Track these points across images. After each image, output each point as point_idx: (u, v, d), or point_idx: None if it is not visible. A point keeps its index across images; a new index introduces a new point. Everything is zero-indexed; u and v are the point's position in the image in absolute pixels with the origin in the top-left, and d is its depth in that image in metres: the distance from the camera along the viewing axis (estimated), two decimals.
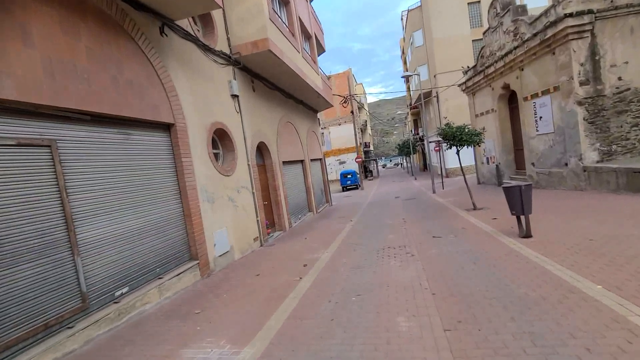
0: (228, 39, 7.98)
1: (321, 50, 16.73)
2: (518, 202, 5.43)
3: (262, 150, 9.83)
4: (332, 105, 17.14)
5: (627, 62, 9.10)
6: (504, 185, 5.67)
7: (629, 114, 9.20)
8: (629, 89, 9.15)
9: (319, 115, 43.49)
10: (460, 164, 10.02)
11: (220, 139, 7.54)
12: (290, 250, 7.45)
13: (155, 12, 5.41)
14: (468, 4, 24.76)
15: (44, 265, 3.58)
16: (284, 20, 10.37)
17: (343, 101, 24.07)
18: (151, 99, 5.17)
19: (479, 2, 24.64)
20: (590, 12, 8.88)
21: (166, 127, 5.67)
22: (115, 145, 4.66)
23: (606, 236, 4.93)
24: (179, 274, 5.39)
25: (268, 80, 10.24)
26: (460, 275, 4.27)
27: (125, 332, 3.99)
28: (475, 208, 9.32)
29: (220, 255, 6.56)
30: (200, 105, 6.57)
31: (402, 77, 16.41)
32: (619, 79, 9.17)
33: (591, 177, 9.13)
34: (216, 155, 7.39)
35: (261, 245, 8.39)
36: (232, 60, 7.96)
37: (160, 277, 5.08)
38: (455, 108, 24.76)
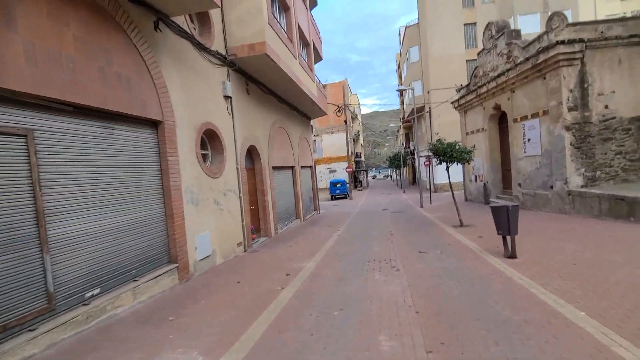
0: (225, 39, 7.89)
1: (318, 58, 16.80)
2: (505, 222, 5.43)
3: (252, 153, 9.69)
4: (326, 114, 17.17)
5: (613, 92, 9.38)
6: (492, 204, 5.67)
7: (614, 142, 9.45)
8: (614, 117, 9.42)
9: (312, 122, 43.62)
10: (449, 180, 10.09)
11: (209, 139, 7.38)
12: (274, 258, 7.28)
13: (150, 7, 5.28)
14: (464, 24, 25.40)
15: (8, 261, 3.35)
16: (282, 25, 10.36)
17: (337, 110, 24.18)
18: (140, 94, 5.01)
19: (475, 24, 25.32)
20: (581, 40, 9.16)
21: (153, 124, 5.50)
22: (97, 139, 4.47)
23: (589, 261, 4.96)
24: (157, 277, 5.17)
25: (263, 84, 10.16)
26: (444, 294, 4.20)
27: (93, 336, 3.76)
28: (462, 225, 9.35)
29: (201, 259, 6.35)
30: (191, 104, 6.43)
31: (396, 90, 16.63)
32: (606, 107, 9.43)
33: (575, 201, 9.29)
34: (204, 157, 7.23)
35: (245, 251, 8.19)
36: (227, 61, 7.86)
37: (135, 279, 4.86)
38: (446, 124, 25.14)
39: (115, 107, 4.57)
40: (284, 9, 10.74)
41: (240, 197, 8.16)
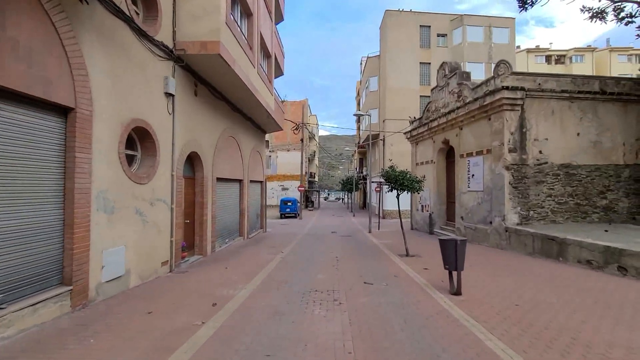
0: (174, 32, 7.10)
1: (279, 72, 16.46)
2: (452, 257, 5.23)
3: (193, 161, 8.74)
4: (282, 129, 16.68)
5: (547, 139, 10.22)
6: (441, 237, 5.47)
7: (545, 185, 10.19)
8: (546, 162, 10.21)
9: (268, 136, 42.80)
10: (399, 208, 10.02)
11: (140, 139, 6.38)
12: (203, 281, 6.32)
13: None
14: (420, 63, 27.16)
15: None
16: (243, 30, 9.83)
17: (294, 128, 23.89)
18: (44, 70, 4.03)
19: (429, 63, 27.21)
20: (522, 89, 9.92)
21: (62, 111, 4.48)
22: None
23: (530, 301, 4.89)
24: (37, 303, 4.01)
25: (215, 88, 9.40)
26: (389, 337, 3.73)
27: None
28: (408, 254, 9.21)
29: (108, 281, 5.22)
30: (120, 95, 5.49)
31: (354, 115, 16.75)
32: (540, 152, 10.21)
33: (511, 237, 9.71)
34: (131, 158, 6.20)
35: (171, 271, 7.08)
36: (173, 55, 7.04)
37: (1, 306, 3.68)
38: (398, 154, 26.09)
39: (4, 82, 3.56)
40: (247, 14, 10.25)
41: (172, 209, 7.13)
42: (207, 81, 8.83)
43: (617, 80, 10.63)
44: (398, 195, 9.60)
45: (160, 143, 6.70)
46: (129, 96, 5.74)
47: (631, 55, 41.63)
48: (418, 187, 9.26)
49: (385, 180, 9.57)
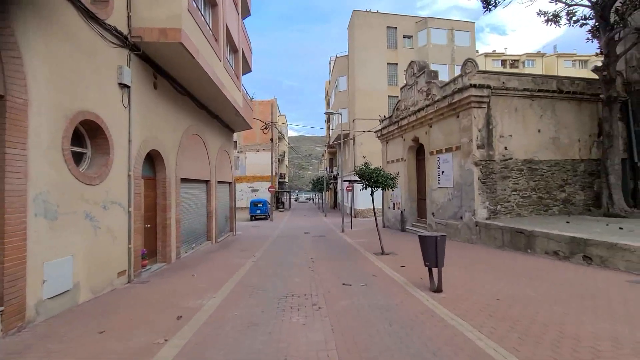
0: (129, 16, 6.41)
1: (247, 69, 15.85)
2: (432, 254, 5.10)
3: (154, 160, 8.02)
4: (251, 127, 16.08)
5: (511, 135, 10.59)
6: (420, 234, 5.34)
7: (510, 180, 10.56)
8: (511, 158, 10.58)
9: (236, 137, 41.59)
10: (374, 206, 9.90)
11: (90, 135, 5.66)
12: (167, 292, 5.72)
13: None
14: (387, 63, 27.59)
15: None
16: (207, 20, 9.22)
17: (264, 127, 23.26)
18: None
19: (397, 64, 27.74)
20: (488, 87, 10.20)
21: None
22: None
23: (510, 296, 4.87)
24: None
25: (178, 81, 8.71)
26: (375, 343, 3.46)
27: None
28: (383, 252, 9.10)
29: (51, 297, 4.51)
30: (64, 83, 4.78)
31: (325, 113, 16.56)
32: (505, 148, 10.56)
33: (482, 232, 9.94)
34: (79, 156, 5.47)
35: (129, 282, 6.37)
36: (128, 42, 6.35)
37: None
38: (369, 153, 26.25)
39: None
40: (211, 3, 9.64)
41: (129, 213, 6.43)
42: (168, 73, 8.15)
43: (572, 80, 11.29)
44: (372, 192, 9.47)
45: (115, 139, 6.00)
46: (76, 86, 5.03)
47: (575, 60, 45.37)
48: (392, 184, 9.18)
49: (360, 177, 9.41)
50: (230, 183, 15.79)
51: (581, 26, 11.69)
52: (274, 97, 31.03)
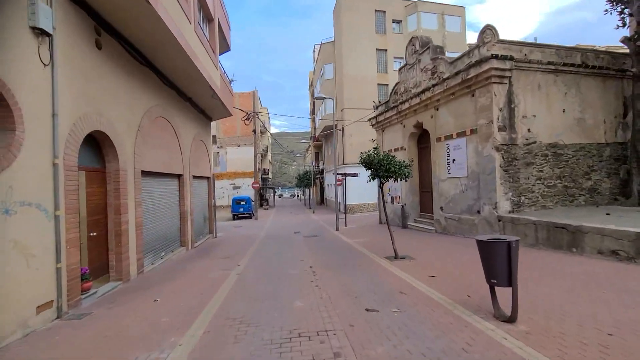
0: None
1: (225, 47, 13.83)
2: (503, 267, 3.50)
3: (102, 146, 6.05)
4: (231, 115, 14.09)
5: (534, 116, 9.22)
6: (479, 237, 3.72)
7: (534, 167, 9.20)
8: (535, 142, 9.21)
9: (215, 131, 39.05)
10: (383, 200, 8.22)
11: None
12: (110, 334, 3.87)
13: None
14: (376, 49, 26.02)
15: None
16: None
17: (245, 117, 21.19)
18: None
19: (386, 50, 26.22)
20: (511, 58, 8.74)
21: None
22: None
23: (618, 325, 3.35)
24: None
25: (134, 46, 6.73)
26: None
27: None
28: (397, 257, 7.51)
29: None
30: None
31: (315, 98, 14.80)
32: (529, 130, 9.18)
33: (506, 227, 8.52)
34: None
35: (59, 318, 4.45)
36: None
37: None
38: (358, 145, 24.74)
39: None
40: None
41: (56, 217, 4.48)
42: (119, 32, 6.16)
43: (597, 53, 10.04)
44: (381, 184, 7.85)
45: (27, 109, 4.04)
46: None
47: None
48: (408, 173, 7.58)
49: (366, 166, 7.76)
50: (208, 178, 13.79)
51: None
52: (254, 89, 28.90)
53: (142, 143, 7.23)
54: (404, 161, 7.79)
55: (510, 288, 3.50)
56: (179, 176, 9.97)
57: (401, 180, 7.90)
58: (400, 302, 4.47)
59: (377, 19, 26.05)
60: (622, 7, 10.49)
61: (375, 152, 7.54)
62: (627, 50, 10.04)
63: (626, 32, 11.20)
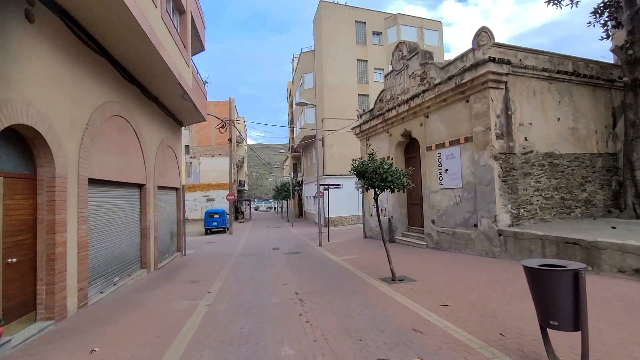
0: None
1: (199, 46, 12.71)
2: (568, 304, 2.62)
3: (33, 145, 4.73)
4: (205, 120, 12.85)
5: (531, 124, 8.77)
6: (527, 264, 2.84)
7: (532, 178, 8.69)
8: (532, 151, 8.74)
9: (188, 141, 37.14)
10: (378, 212, 7.29)
11: None
12: None
13: None
14: (357, 60, 25.74)
15: None
16: None
17: (220, 125, 19.89)
18: None
19: (366, 61, 26.00)
20: (508, 62, 8.29)
21: None
22: None
23: None
24: None
25: (81, 24, 5.52)
26: None
27: None
28: (394, 279, 6.56)
29: None
30: None
31: (296, 104, 13.90)
32: (525, 139, 8.69)
33: (508, 242, 7.84)
34: None
35: None
36: None
37: None
38: (339, 156, 24.04)
39: None
40: None
41: None
42: (59, 4, 4.95)
43: (586, 62, 9.86)
44: (377, 195, 6.94)
45: None
46: None
47: None
48: (407, 183, 6.72)
49: (359, 175, 6.84)
50: (177, 189, 12.37)
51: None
52: (230, 97, 27.71)
53: (91, 145, 5.92)
54: (402, 169, 6.94)
55: (581, 334, 2.60)
56: (140, 186, 8.60)
57: (402, 190, 7.04)
58: (419, 346, 3.47)
59: (357, 30, 25.88)
60: (607, 18, 10.52)
61: (371, 158, 6.65)
62: (612, 62, 9.99)
63: (609, 44, 11.27)
